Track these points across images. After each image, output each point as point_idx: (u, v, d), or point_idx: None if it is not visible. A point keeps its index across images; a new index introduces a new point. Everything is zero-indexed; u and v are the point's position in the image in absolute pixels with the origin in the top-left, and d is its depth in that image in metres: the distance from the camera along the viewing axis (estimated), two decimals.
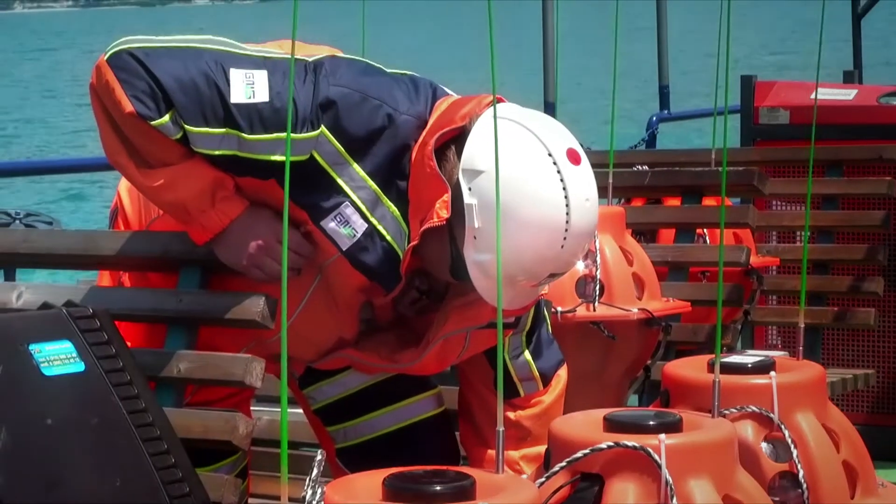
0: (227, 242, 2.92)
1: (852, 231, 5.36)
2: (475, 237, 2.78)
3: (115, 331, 2.76)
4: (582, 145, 7.29)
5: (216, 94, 2.81)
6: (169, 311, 3.01)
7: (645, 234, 4.96)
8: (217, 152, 2.83)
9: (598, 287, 3.99)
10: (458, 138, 2.83)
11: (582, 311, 3.97)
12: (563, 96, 7.34)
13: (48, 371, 2.56)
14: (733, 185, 4.69)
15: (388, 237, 2.90)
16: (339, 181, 2.87)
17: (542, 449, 3.02)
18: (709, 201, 4.82)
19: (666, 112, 8.88)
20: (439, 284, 3.00)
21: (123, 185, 3.18)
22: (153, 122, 2.81)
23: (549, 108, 7.80)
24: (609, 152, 4.55)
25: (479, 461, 3.16)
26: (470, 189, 2.78)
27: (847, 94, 6.22)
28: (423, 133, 2.86)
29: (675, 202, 4.95)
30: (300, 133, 2.81)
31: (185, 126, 2.80)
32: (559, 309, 3.91)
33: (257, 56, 2.87)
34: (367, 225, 2.89)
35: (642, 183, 4.89)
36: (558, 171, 2.77)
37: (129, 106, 2.80)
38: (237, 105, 2.81)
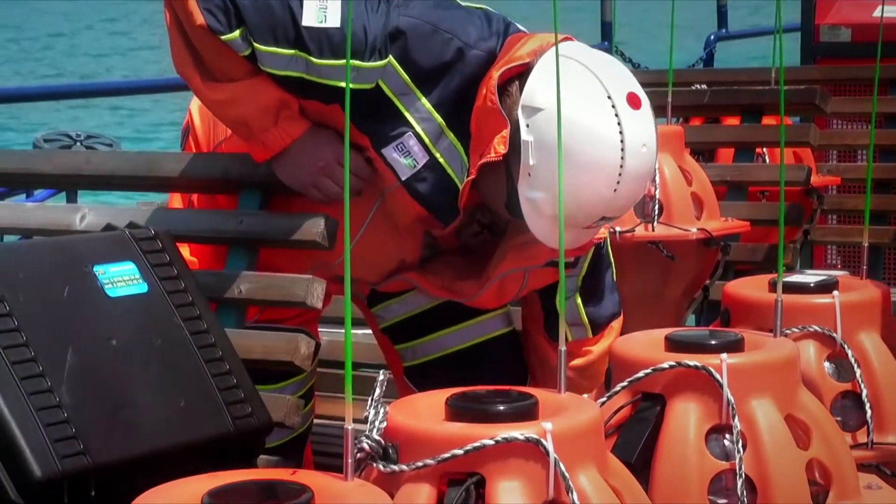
0: (288, 162, 2.93)
1: None
2: (529, 174, 2.77)
3: (177, 252, 2.77)
4: (638, 65, 7.21)
5: (288, 15, 2.80)
6: (229, 233, 3.02)
7: (704, 153, 4.92)
8: (284, 73, 2.83)
9: (656, 207, 3.97)
10: (522, 74, 2.81)
11: (641, 231, 3.95)
12: (621, 15, 7.27)
13: (112, 292, 2.58)
14: (794, 104, 4.65)
15: (449, 170, 2.90)
16: (405, 111, 2.86)
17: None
18: (768, 120, 4.78)
19: (724, 30, 8.79)
20: (501, 219, 3.00)
21: (195, 103, 3.19)
22: (223, 37, 2.81)
23: (607, 27, 7.75)
24: (668, 71, 4.51)
25: None
26: (528, 126, 2.77)
27: None
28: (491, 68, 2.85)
29: (734, 121, 4.91)
30: (368, 62, 2.80)
31: (255, 44, 2.80)
32: (618, 229, 3.90)
33: None
34: (428, 157, 2.88)
35: (701, 102, 4.85)
36: (616, 115, 2.75)
37: (200, 18, 2.81)
38: (308, 28, 2.80)
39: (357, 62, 2.79)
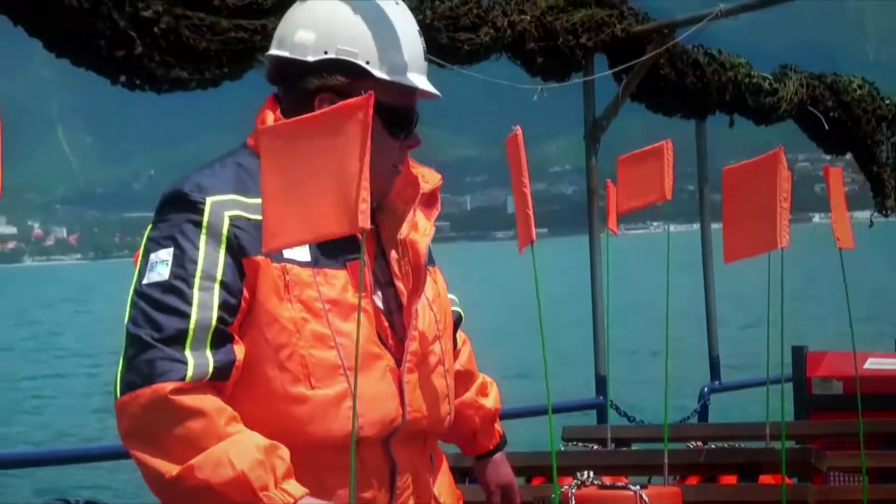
0: None
1: None
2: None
3: None
4: (633, 419, 7.10)
5: (174, 295, 2.83)
6: None
7: None
8: (217, 301, 2.85)
9: None
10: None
11: None
12: (615, 368, 7.34)
13: None
14: (791, 463, 4.66)
15: None
16: (257, 217, 2.84)
17: (483, 378, 3.55)
18: (766, 479, 4.79)
19: (717, 382, 8.87)
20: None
21: None
22: (188, 375, 2.77)
23: (601, 382, 7.79)
24: (664, 426, 4.54)
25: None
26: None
27: None
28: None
29: (730, 479, 4.91)
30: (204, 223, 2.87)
31: (191, 321, 2.81)
32: None
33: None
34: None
35: (698, 461, 4.86)
36: None
37: (164, 387, 2.75)
38: (176, 278, 2.85)
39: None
